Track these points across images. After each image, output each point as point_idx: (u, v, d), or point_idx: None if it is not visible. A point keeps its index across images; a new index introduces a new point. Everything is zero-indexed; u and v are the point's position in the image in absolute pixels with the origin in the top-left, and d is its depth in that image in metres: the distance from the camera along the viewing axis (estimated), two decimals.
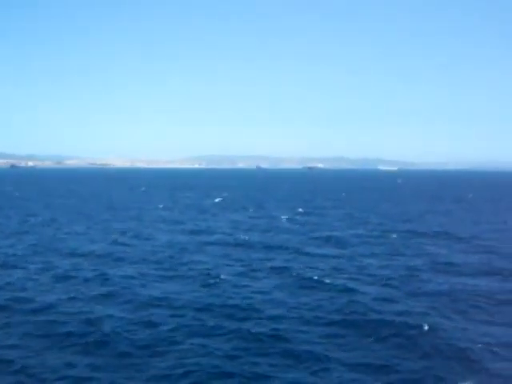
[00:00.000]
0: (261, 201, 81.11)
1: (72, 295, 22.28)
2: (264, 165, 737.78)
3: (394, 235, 41.29)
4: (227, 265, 29.19)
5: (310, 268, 28.26)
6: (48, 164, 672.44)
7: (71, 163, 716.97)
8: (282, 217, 55.25)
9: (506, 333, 18.14)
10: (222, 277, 25.64)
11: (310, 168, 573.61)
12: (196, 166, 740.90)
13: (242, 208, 66.84)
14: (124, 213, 59.15)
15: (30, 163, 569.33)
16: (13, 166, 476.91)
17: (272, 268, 28.20)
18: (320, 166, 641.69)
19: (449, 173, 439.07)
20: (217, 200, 79.90)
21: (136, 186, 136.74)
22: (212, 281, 25.03)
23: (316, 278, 25.64)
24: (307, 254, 32.92)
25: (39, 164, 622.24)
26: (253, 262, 29.79)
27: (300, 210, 63.56)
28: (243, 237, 39.54)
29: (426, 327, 18.25)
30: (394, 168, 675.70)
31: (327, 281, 25.01)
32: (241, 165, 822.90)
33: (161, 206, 68.91)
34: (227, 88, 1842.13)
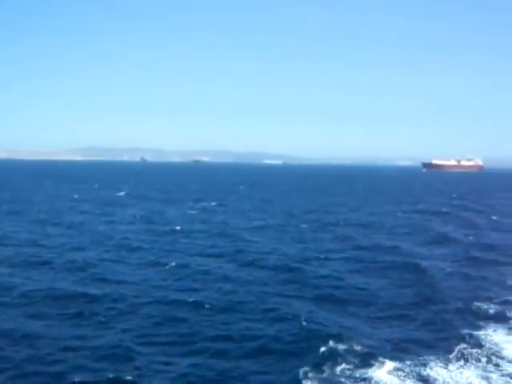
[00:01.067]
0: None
1: None
2: (149, 158, 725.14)
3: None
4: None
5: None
6: None
7: None
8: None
9: None
10: None
11: (196, 161, 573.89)
12: (78, 158, 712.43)
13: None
14: None
15: None
16: None
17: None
18: (205, 159, 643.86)
19: (332, 167, 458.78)
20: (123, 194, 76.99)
21: None
22: None
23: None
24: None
25: None
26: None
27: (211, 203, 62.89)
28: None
29: None
30: (279, 162, 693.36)
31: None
32: (125, 157, 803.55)
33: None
34: (114, 77, 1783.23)
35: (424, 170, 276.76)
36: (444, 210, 58.62)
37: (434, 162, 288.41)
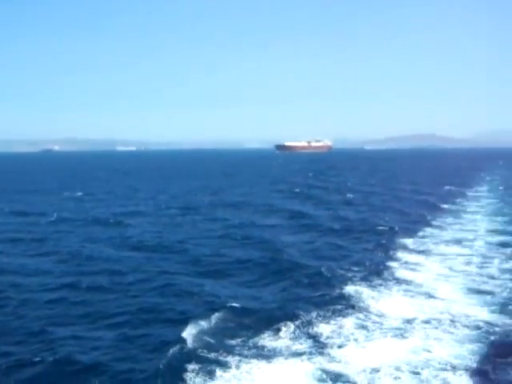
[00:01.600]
0: None
1: None
2: None
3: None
4: None
5: None
6: None
7: None
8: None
9: None
10: None
11: (46, 151, 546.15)
12: None
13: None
14: None
15: None
16: None
17: None
18: (56, 148, 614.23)
19: (191, 151, 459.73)
20: None
21: None
22: None
23: None
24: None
25: None
26: None
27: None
28: None
29: None
30: (133, 148, 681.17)
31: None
32: None
33: None
34: None
35: (277, 152, 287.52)
36: (301, 189, 62.32)
37: (287, 143, 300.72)
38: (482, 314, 16.94)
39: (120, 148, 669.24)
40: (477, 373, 12.60)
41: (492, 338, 14.81)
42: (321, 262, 24.08)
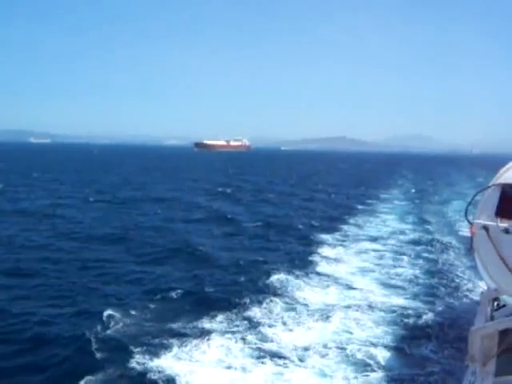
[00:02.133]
0: None
1: None
2: None
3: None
4: None
5: None
6: None
7: None
8: None
9: None
10: None
11: None
12: None
13: None
14: None
15: None
16: None
17: None
18: None
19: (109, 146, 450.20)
20: None
21: None
22: None
23: None
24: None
25: None
26: None
27: None
28: None
29: None
30: (47, 140, 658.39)
31: None
32: None
33: None
34: None
35: (196, 150, 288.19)
36: (223, 187, 63.66)
37: (205, 141, 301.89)
38: (397, 301, 18.96)
39: (34, 140, 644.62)
40: (394, 348, 14.46)
41: (406, 320, 16.78)
42: (248, 255, 25.65)
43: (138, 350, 13.92)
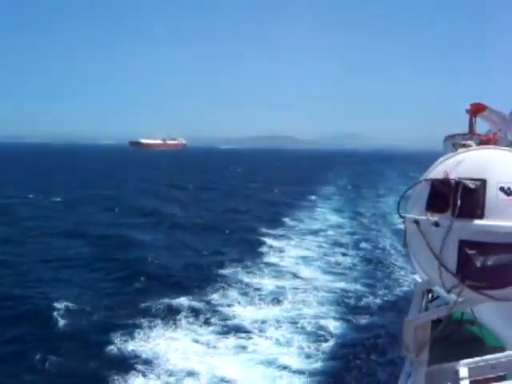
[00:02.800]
0: None
1: None
2: None
3: None
4: None
5: None
6: None
7: None
8: None
9: None
10: None
11: None
12: None
13: None
14: None
15: None
16: None
17: None
18: None
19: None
20: None
21: None
22: None
23: None
24: None
25: None
26: None
27: None
28: None
29: None
30: None
31: None
32: None
33: None
34: None
35: (132, 149, 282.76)
36: (163, 187, 64.05)
37: (142, 140, 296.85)
38: (339, 285, 21.29)
39: None
40: (340, 319, 16.95)
41: (347, 300, 19.14)
42: (197, 252, 27.46)
43: (109, 330, 15.56)
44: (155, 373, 12.97)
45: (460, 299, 4.14)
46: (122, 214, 40.19)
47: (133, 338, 15.06)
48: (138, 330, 15.60)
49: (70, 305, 17.71)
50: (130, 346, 14.54)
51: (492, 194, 3.92)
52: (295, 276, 22.63)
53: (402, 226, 4.80)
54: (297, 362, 13.72)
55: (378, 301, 19.31)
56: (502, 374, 5.11)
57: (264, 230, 33.70)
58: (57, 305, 17.60)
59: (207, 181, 75.47)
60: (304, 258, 26.21)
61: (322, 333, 15.79)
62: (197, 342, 14.97)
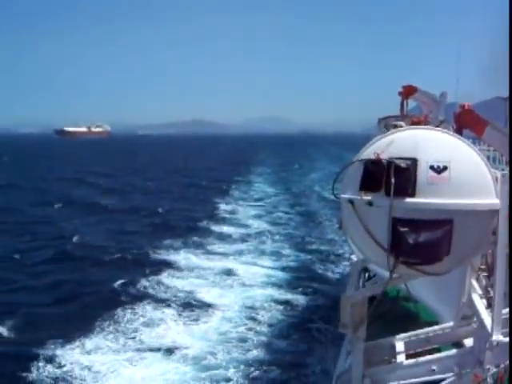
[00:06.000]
0: None
1: None
2: None
3: None
4: None
5: None
6: None
7: None
8: None
9: None
10: None
11: None
12: None
13: None
14: None
15: None
16: None
17: None
18: None
19: None
20: None
21: None
22: None
23: None
24: None
25: None
26: None
27: None
28: None
29: None
30: None
31: None
32: None
33: None
34: None
35: (57, 137, 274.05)
36: (93, 177, 61.74)
37: (67, 129, 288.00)
38: (280, 264, 23.70)
39: None
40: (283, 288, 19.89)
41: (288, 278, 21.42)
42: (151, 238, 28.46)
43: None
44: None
45: (394, 275, 4.20)
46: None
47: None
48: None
49: None
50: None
51: (422, 172, 3.96)
52: (241, 253, 25.25)
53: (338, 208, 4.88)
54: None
55: (315, 285, 20.38)
56: (437, 346, 5.30)
57: (210, 211, 36.61)
58: None
59: (142, 171, 73.02)
60: (241, 243, 27.70)
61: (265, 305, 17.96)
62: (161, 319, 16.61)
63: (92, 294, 18.96)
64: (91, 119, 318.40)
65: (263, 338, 15.20)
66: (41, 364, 13.35)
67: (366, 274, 9.83)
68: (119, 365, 13.37)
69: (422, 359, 4.86)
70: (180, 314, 16.91)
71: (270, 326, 16.17)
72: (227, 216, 34.39)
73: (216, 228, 30.45)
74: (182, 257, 23.91)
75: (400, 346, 5.29)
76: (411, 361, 4.94)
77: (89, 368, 13.13)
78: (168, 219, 33.75)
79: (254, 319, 16.53)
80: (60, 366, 13.26)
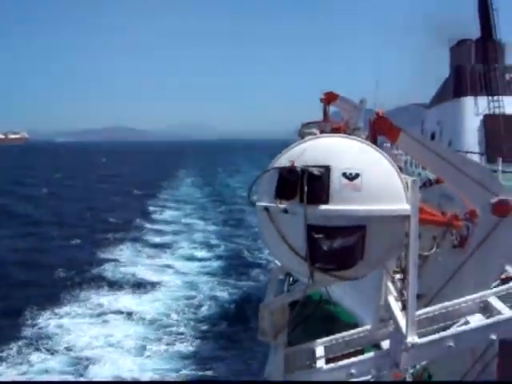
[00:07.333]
0: None
1: None
2: None
3: None
4: None
5: None
6: None
7: None
8: None
9: None
10: None
11: None
12: None
13: None
14: None
15: None
16: None
17: None
18: None
19: None
20: None
21: None
22: None
23: None
24: None
25: None
26: None
27: None
28: None
29: None
30: None
31: None
32: None
33: None
34: None
35: None
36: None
37: None
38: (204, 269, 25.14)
39: None
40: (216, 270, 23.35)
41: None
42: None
43: None
44: None
45: (312, 282, 4.25)
46: None
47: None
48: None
49: None
50: None
51: (335, 179, 4.01)
52: (175, 247, 28.59)
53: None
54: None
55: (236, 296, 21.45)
56: (359, 348, 5.39)
57: (142, 212, 39.61)
58: None
59: (60, 178, 72.14)
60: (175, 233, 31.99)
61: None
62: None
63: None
64: (8, 126, 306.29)
65: (207, 305, 19.68)
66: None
67: (291, 279, 9.87)
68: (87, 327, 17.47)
69: (340, 363, 4.88)
70: (132, 291, 21.04)
71: (210, 291, 21.17)
72: (158, 217, 38.38)
73: (149, 226, 34.37)
74: (121, 252, 27.22)
75: (320, 350, 5.31)
76: (330, 365, 4.96)
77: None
78: (99, 222, 36.23)
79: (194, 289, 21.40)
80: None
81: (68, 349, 15.81)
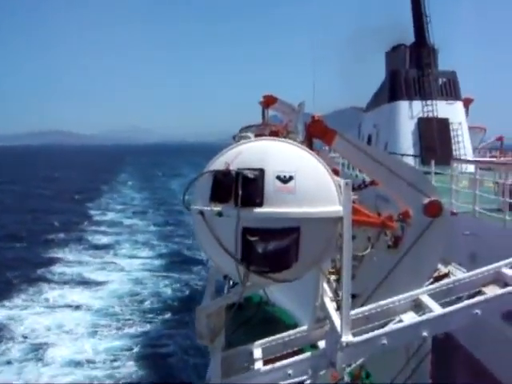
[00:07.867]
0: None
1: None
2: None
3: None
4: None
5: None
6: None
7: None
8: None
9: None
10: None
11: None
12: None
13: None
14: None
15: None
16: None
17: None
18: None
19: None
20: None
21: None
22: None
23: None
24: None
25: None
26: None
27: None
28: None
29: None
30: None
31: None
32: None
33: None
34: None
35: None
36: None
37: None
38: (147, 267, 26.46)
39: None
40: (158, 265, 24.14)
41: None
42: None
43: None
44: None
45: (248, 284, 4.24)
46: None
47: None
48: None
49: None
50: None
51: (269, 182, 4.03)
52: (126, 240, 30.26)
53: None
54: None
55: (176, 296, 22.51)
56: (297, 348, 5.40)
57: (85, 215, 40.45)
58: None
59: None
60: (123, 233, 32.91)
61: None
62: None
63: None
64: None
65: (151, 298, 21.48)
66: None
67: (231, 282, 9.78)
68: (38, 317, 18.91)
69: (278, 364, 4.89)
70: (79, 287, 22.51)
71: (154, 286, 23.06)
72: (100, 219, 39.39)
73: (92, 228, 35.16)
74: (66, 253, 28.39)
75: (258, 352, 5.31)
76: (268, 367, 4.95)
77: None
78: (42, 225, 37.12)
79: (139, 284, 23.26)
80: None
81: (24, 336, 17.38)
